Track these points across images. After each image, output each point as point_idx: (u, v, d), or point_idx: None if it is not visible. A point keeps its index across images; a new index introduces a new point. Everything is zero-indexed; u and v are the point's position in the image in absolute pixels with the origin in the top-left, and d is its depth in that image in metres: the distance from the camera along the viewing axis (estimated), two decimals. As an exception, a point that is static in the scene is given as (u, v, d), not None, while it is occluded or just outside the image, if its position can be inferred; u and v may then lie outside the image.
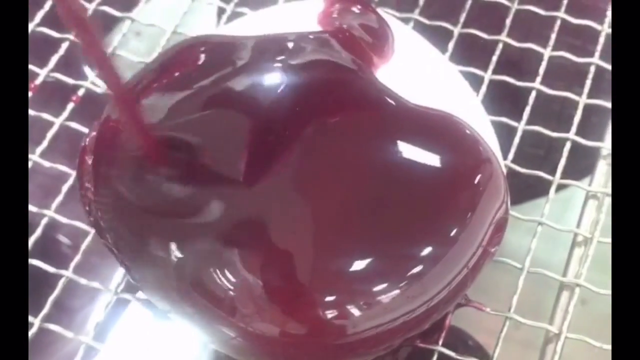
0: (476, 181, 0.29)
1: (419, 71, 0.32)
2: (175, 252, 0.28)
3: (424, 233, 0.28)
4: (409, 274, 0.27)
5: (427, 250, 0.27)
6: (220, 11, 0.39)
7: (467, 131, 0.29)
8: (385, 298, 0.27)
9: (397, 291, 0.27)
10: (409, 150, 0.29)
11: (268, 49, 0.31)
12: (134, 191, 0.29)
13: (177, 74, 0.31)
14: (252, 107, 0.29)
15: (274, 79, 0.30)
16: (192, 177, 0.29)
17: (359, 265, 0.27)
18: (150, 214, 0.29)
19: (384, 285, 0.27)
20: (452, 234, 0.28)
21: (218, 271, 0.27)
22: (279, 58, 0.30)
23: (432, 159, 0.29)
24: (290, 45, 0.31)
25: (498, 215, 0.29)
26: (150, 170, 0.29)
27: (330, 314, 0.27)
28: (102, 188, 0.30)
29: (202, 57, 0.31)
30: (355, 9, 0.32)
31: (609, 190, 0.34)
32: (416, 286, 0.27)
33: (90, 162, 0.30)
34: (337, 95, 0.30)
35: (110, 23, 0.40)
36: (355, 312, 0.27)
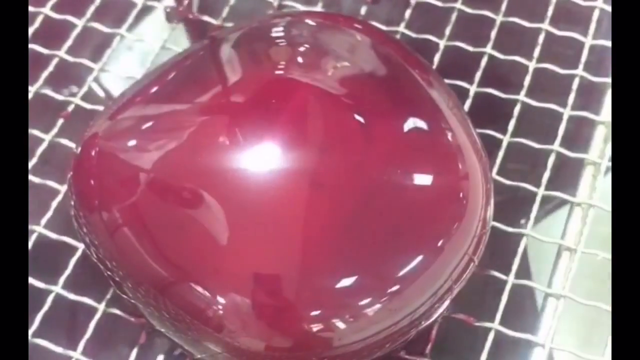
0: (458, 195, 0.29)
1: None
2: (161, 269, 0.28)
3: (406, 248, 0.28)
4: (392, 287, 0.28)
5: (409, 265, 0.28)
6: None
7: (448, 144, 0.30)
8: (370, 311, 0.27)
9: (381, 304, 0.27)
10: (392, 168, 0.29)
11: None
12: (118, 207, 0.29)
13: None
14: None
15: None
16: (179, 196, 0.29)
17: (344, 279, 0.27)
18: (135, 230, 0.29)
19: (369, 299, 0.27)
20: (433, 248, 0.28)
21: (205, 287, 0.28)
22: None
23: (414, 175, 0.29)
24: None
25: (480, 226, 0.29)
26: (136, 189, 0.29)
27: (315, 327, 0.27)
28: (86, 205, 0.30)
29: None
30: None
31: (593, 201, 0.34)
32: (399, 299, 0.28)
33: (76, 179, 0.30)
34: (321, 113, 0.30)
35: (100, 39, 0.40)
36: (340, 325, 0.27)
